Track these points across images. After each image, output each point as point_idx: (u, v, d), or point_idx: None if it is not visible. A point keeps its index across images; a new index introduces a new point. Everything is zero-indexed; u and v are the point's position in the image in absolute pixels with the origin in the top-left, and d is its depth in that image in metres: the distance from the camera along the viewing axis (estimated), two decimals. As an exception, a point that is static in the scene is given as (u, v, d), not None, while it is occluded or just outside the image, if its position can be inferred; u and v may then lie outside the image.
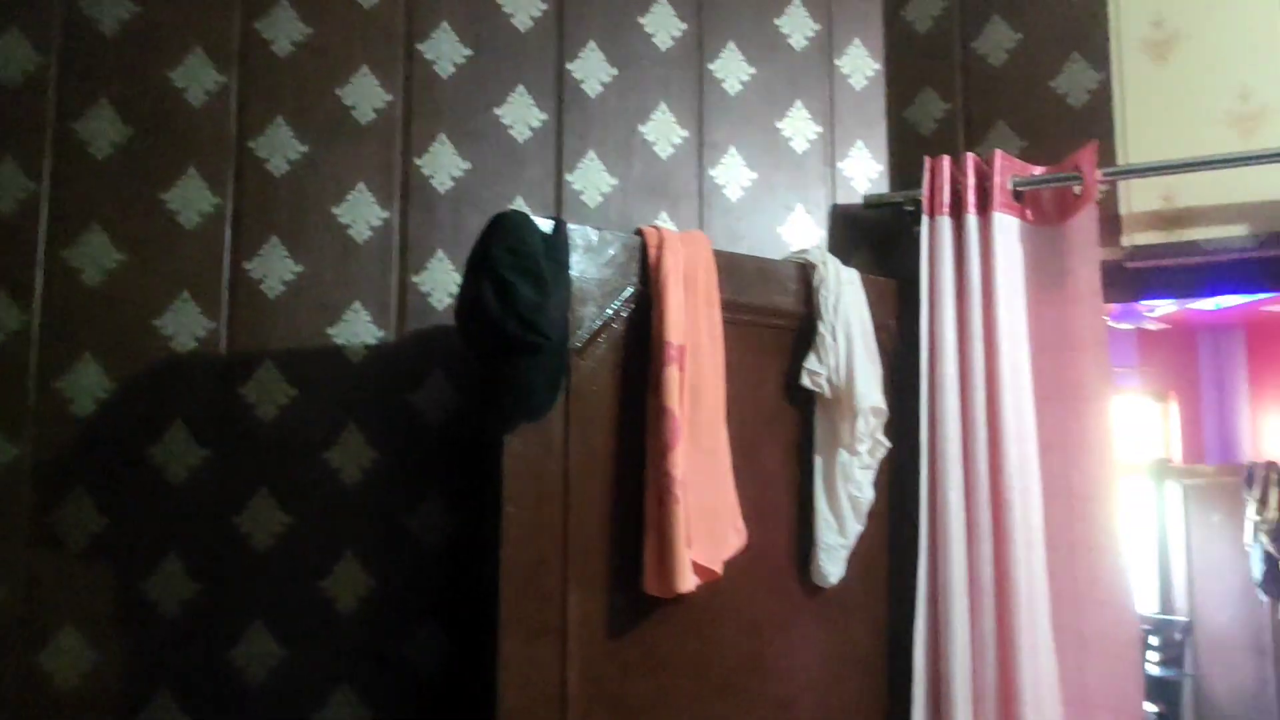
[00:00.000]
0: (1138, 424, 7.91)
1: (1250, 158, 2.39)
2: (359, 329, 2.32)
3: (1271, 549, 6.95)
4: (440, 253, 2.38)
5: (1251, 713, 7.06)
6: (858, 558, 2.38)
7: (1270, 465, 7.17)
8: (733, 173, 2.64)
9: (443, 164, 2.42)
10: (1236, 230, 2.42)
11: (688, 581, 1.97)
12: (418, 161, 2.41)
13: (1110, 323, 6.75)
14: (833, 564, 2.31)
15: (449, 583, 2.31)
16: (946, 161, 2.52)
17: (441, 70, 2.45)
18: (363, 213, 2.35)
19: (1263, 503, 7.03)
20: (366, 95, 2.39)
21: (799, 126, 2.72)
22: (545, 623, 1.97)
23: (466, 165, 2.44)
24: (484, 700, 1.95)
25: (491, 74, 2.48)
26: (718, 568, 2.07)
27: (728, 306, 2.24)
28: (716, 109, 2.65)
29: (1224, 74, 2.47)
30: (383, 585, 2.28)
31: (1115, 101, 2.57)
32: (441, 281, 2.38)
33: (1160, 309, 6.59)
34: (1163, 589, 7.69)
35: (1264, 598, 6.96)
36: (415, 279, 2.37)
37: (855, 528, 2.34)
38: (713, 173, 2.63)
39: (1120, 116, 2.56)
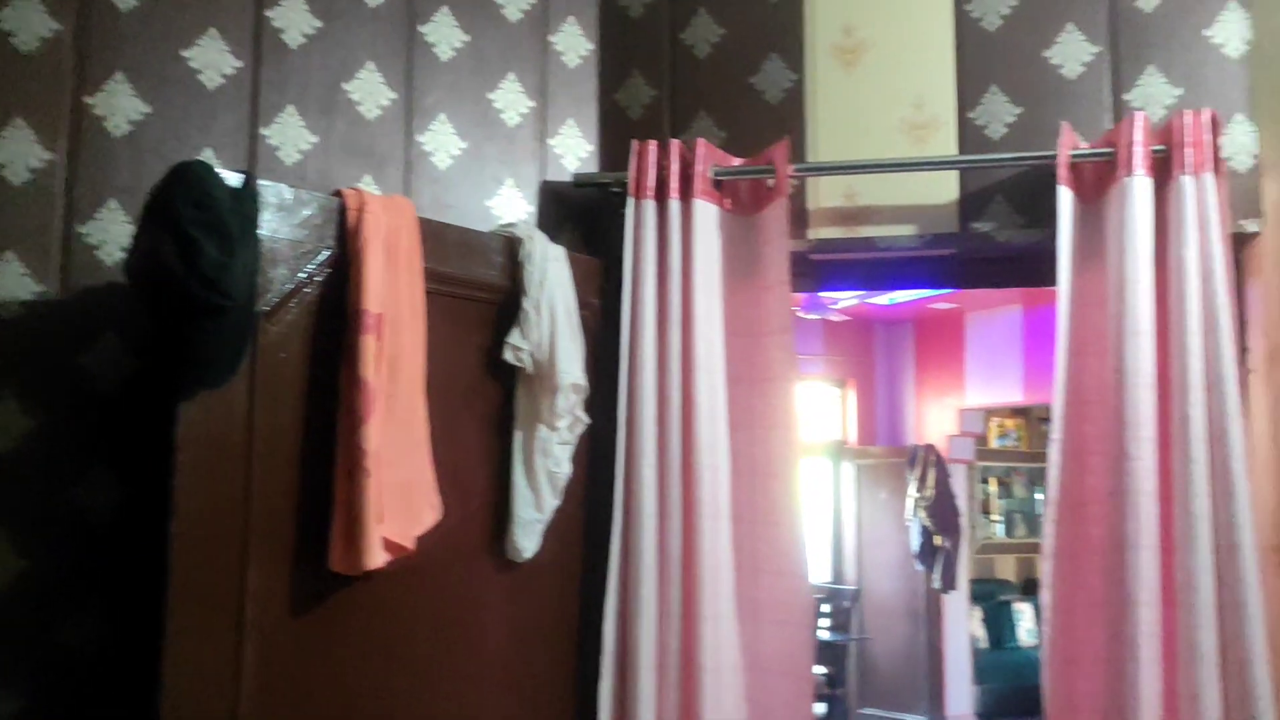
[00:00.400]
0: (819, 408, 8.52)
1: (920, 163, 2.61)
2: (12, 282, 2.08)
3: (928, 523, 7.70)
4: (114, 202, 2.17)
5: (905, 670, 7.82)
6: (554, 531, 2.40)
7: (929, 448, 7.94)
8: (442, 140, 2.58)
9: (120, 105, 2.20)
10: (906, 230, 2.63)
11: (376, 558, 1.92)
12: (89, 100, 2.18)
13: (799, 313, 7.22)
14: (528, 538, 2.32)
15: (116, 561, 2.12)
16: (653, 146, 2.59)
17: (121, 3, 2.23)
18: (20, 152, 2.10)
19: (922, 481, 7.78)
20: (29, 21, 2.14)
21: (511, 99, 2.69)
22: (220, 601, 1.86)
23: (148, 109, 2.23)
24: (150, 685, 1.81)
25: (179, 13, 2.28)
26: (409, 543, 2.03)
27: (431, 277, 2.19)
28: (427, 73, 2.58)
29: (902, 84, 2.67)
30: (37, 565, 2.06)
31: (807, 101, 2.72)
32: (115, 234, 2.17)
33: (842, 302, 7.12)
34: (835, 560, 8.35)
35: (919, 567, 7.72)
36: (82, 229, 2.14)
37: (552, 502, 2.36)
38: (421, 139, 2.55)
39: (812, 116, 2.72)
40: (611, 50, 2.85)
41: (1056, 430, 2.41)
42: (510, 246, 2.38)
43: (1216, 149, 2.32)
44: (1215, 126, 2.32)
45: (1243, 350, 2.44)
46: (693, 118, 2.79)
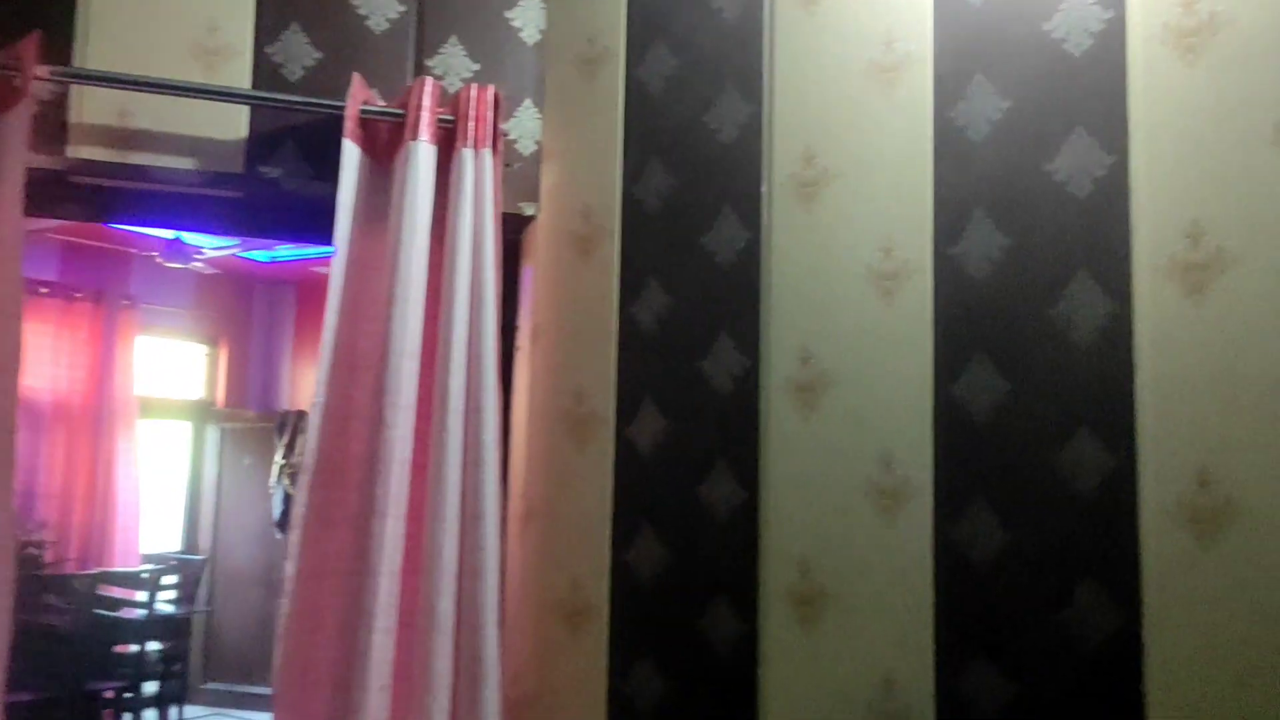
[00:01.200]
0: (184, 366, 7.91)
1: (206, 91, 2.35)
2: None
3: (292, 491, 7.48)
4: None
5: (256, 640, 7.51)
6: None
7: (301, 414, 7.72)
8: None
9: None
10: (186, 163, 2.36)
11: None
12: None
13: (159, 259, 6.58)
14: None
15: None
16: None
17: None
18: None
19: (290, 448, 7.55)
20: None
21: None
22: None
23: None
24: None
25: None
26: None
27: None
28: None
29: (190, 3, 2.39)
30: None
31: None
32: None
33: (210, 252, 6.61)
34: (189, 529, 7.81)
35: (280, 535, 7.47)
36: None
37: None
38: None
39: (84, 16, 2.33)
40: None
41: (320, 394, 2.31)
42: None
43: (497, 127, 2.35)
44: (498, 105, 2.36)
45: (512, 328, 2.53)
46: (-71, -8, 2.27)
